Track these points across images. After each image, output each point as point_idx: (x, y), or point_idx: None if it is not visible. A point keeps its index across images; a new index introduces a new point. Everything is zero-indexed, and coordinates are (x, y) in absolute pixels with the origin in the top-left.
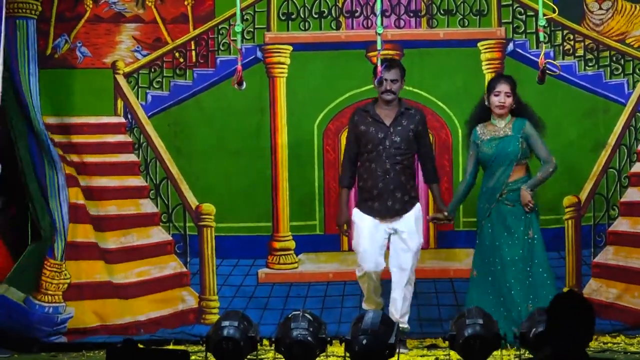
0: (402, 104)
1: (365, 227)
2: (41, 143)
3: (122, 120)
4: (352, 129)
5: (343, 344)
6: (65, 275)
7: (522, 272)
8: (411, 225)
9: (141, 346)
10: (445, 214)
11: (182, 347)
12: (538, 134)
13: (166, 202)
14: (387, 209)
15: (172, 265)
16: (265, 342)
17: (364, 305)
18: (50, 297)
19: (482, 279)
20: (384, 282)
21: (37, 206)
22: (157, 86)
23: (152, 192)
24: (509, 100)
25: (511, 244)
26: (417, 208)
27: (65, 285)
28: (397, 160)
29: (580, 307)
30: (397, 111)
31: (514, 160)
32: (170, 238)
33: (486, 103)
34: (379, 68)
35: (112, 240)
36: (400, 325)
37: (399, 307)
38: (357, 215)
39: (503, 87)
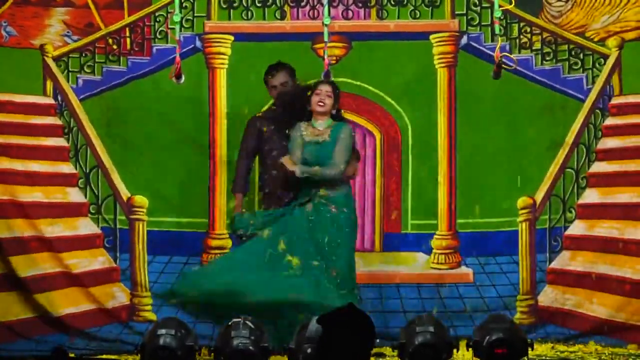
0: None
1: None
2: None
3: (52, 101)
4: (252, 134)
5: (286, 354)
6: None
7: None
8: None
9: (72, 355)
10: None
11: (115, 357)
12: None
13: (96, 192)
14: None
15: (100, 260)
16: (204, 351)
17: None
18: None
19: None
20: None
21: None
22: (88, 70)
23: (81, 180)
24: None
25: None
26: None
27: None
28: None
29: (358, 322)
30: None
31: None
32: (100, 231)
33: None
34: (326, 60)
35: (38, 229)
36: None
37: None
38: None
39: (324, 87)
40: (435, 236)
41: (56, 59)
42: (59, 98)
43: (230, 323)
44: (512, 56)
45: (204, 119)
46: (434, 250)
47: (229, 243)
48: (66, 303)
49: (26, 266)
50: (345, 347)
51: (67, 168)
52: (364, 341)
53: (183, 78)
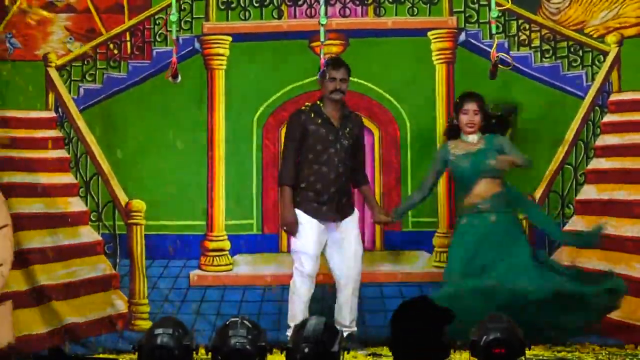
0: (344, 106)
1: (314, 230)
2: None
3: (53, 115)
4: (298, 127)
5: (284, 353)
6: None
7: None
8: (354, 230)
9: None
10: (390, 218)
11: (112, 356)
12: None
13: (96, 199)
14: (334, 213)
15: (101, 267)
16: (202, 350)
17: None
18: None
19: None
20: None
21: None
22: (90, 79)
23: (81, 189)
24: (478, 118)
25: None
26: (356, 213)
27: None
28: (347, 164)
29: (427, 314)
30: (342, 113)
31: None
32: (100, 238)
33: (455, 121)
34: (322, 60)
35: (38, 240)
36: (350, 329)
37: (348, 313)
38: (301, 217)
39: (471, 106)
40: (436, 234)
41: (59, 68)
42: (60, 110)
43: (227, 322)
44: (508, 56)
45: (202, 121)
46: (435, 249)
47: (227, 245)
48: (67, 313)
49: (27, 278)
50: (419, 336)
51: (68, 178)
52: (437, 331)
53: (179, 78)
